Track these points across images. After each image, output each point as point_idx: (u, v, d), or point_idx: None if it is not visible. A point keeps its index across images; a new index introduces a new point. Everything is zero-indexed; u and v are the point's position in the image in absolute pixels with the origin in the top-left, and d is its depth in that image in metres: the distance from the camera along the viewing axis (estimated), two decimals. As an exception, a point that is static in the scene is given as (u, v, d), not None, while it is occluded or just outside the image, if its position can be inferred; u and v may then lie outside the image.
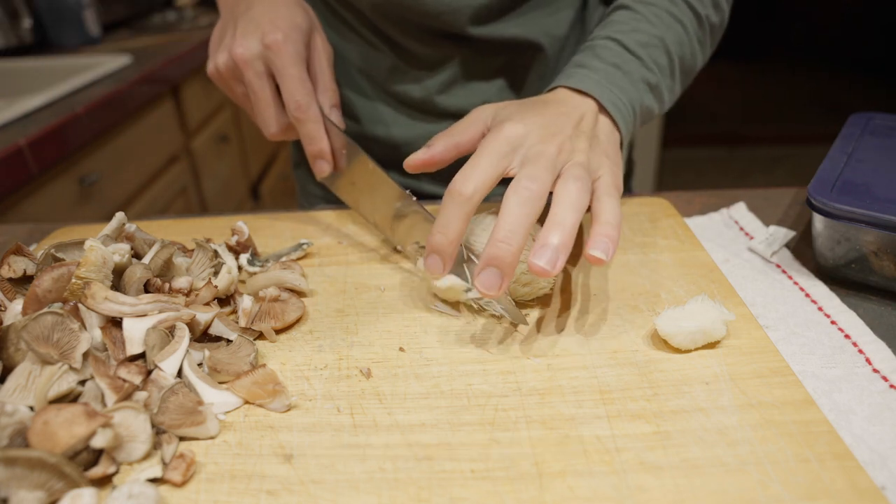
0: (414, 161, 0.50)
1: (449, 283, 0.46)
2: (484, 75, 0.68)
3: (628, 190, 0.82)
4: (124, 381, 0.38)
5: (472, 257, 0.47)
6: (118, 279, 0.45)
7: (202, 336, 0.45)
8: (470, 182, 0.43)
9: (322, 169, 0.56)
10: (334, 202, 0.84)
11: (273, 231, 0.61)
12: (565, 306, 0.48)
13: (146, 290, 0.45)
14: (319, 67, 0.56)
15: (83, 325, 0.41)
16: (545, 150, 0.45)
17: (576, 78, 0.52)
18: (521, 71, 0.69)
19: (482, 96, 0.69)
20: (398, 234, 0.55)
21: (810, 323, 0.48)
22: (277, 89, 0.55)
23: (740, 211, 0.63)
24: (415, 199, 0.52)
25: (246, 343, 0.44)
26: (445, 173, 0.51)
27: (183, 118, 1.59)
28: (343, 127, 0.56)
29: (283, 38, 0.52)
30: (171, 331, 0.42)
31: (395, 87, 0.70)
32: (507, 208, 0.42)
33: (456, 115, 0.70)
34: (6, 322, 0.42)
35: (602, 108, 0.51)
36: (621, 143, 0.53)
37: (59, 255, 0.47)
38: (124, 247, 0.46)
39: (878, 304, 0.50)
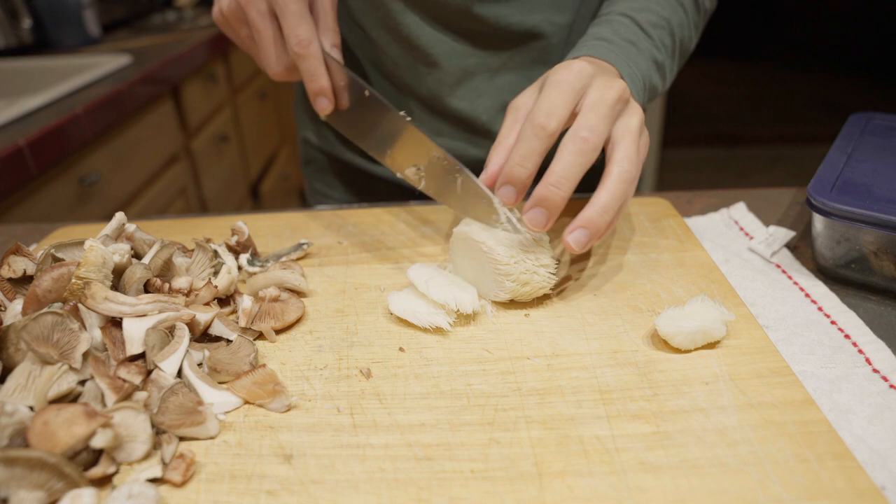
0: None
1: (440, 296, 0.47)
2: (490, 69, 0.68)
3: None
4: (124, 381, 0.38)
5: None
6: (118, 279, 0.45)
7: (202, 336, 0.45)
8: (553, 118, 0.45)
9: (323, 106, 0.56)
10: (342, 202, 0.84)
11: (273, 231, 0.61)
12: (565, 306, 0.48)
13: (146, 291, 0.45)
14: (322, 8, 0.56)
15: (83, 325, 0.41)
16: (606, 96, 0.46)
17: (600, 49, 0.54)
18: (527, 65, 0.69)
19: (488, 93, 0.69)
20: (397, 161, 0.55)
21: (810, 323, 0.48)
22: (281, 31, 0.55)
23: (740, 211, 0.63)
24: (409, 119, 0.52)
25: (246, 343, 0.44)
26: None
27: (183, 118, 1.59)
28: (342, 62, 0.56)
29: None
30: (171, 331, 0.42)
31: (403, 81, 0.70)
32: (563, 155, 0.44)
33: (463, 116, 0.70)
34: (6, 322, 0.42)
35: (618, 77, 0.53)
36: None
37: (59, 255, 0.47)
38: (124, 247, 0.46)
39: (878, 304, 0.50)
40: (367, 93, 0.54)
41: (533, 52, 0.68)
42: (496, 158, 0.49)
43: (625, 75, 0.52)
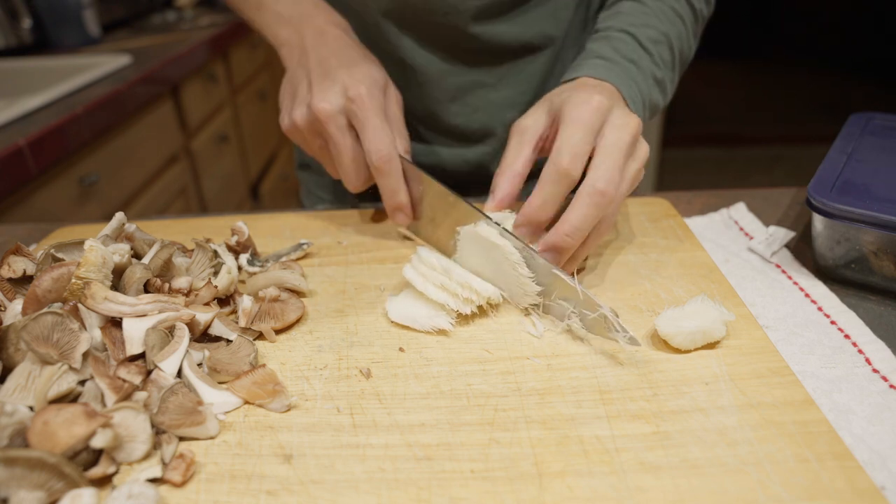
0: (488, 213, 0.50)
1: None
2: (485, 86, 0.68)
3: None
4: (124, 381, 0.38)
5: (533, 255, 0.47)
6: (118, 279, 0.45)
7: (202, 336, 0.45)
8: (577, 161, 0.46)
9: (401, 221, 0.56)
10: (338, 204, 0.84)
11: (273, 231, 0.61)
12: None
13: (146, 291, 0.45)
14: (392, 115, 0.56)
15: (83, 325, 0.41)
16: (623, 139, 0.47)
17: (600, 69, 0.53)
18: (521, 79, 0.69)
19: (483, 108, 0.69)
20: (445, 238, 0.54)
21: (810, 323, 0.48)
22: (359, 143, 0.55)
23: (740, 211, 0.63)
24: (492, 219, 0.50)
25: (246, 343, 0.44)
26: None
27: (183, 118, 1.59)
28: (413, 163, 0.55)
29: (366, 92, 0.52)
30: (170, 331, 0.42)
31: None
32: (579, 206, 0.45)
33: (459, 131, 0.71)
34: (6, 322, 0.42)
35: (622, 101, 0.53)
36: None
37: (59, 255, 0.47)
38: (124, 247, 0.46)
39: (878, 304, 0.50)
40: (451, 199, 0.52)
41: (528, 65, 0.68)
42: (503, 185, 0.49)
43: (626, 96, 0.52)
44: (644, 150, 0.49)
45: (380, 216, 0.63)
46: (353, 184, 0.56)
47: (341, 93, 0.53)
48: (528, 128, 0.50)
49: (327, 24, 0.58)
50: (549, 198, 0.46)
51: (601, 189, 0.45)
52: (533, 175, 0.49)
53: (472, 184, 0.74)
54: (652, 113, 0.59)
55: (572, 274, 0.47)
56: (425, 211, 0.56)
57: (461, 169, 0.74)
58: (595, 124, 0.47)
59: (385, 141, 0.52)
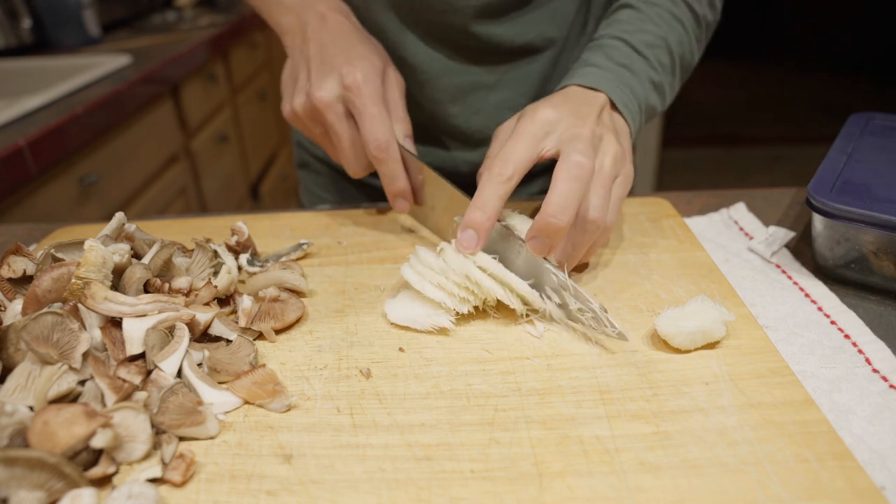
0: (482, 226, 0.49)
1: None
2: (485, 86, 0.68)
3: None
4: (124, 381, 0.38)
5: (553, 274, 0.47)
6: (118, 279, 0.45)
7: (202, 336, 0.45)
8: (509, 164, 0.46)
9: (402, 207, 0.56)
10: (338, 203, 0.84)
11: (273, 231, 0.61)
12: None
13: (146, 291, 0.45)
14: (392, 99, 0.56)
15: (83, 325, 0.41)
16: (580, 133, 0.48)
17: (589, 77, 0.53)
18: (522, 81, 0.69)
19: (484, 110, 0.69)
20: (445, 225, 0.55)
21: (810, 323, 0.48)
22: (358, 130, 0.55)
23: (740, 211, 0.63)
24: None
25: (246, 343, 0.44)
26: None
27: (183, 118, 1.59)
28: (415, 153, 0.56)
29: (362, 79, 0.52)
30: (170, 331, 0.42)
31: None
32: (559, 184, 0.45)
33: (459, 131, 0.70)
34: (6, 322, 0.42)
35: (613, 106, 0.53)
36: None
37: (59, 255, 0.47)
38: (124, 247, 0.46)
39: (878, 304, 0.50)
40: (447, 190, 0.53)
41: (527, 67, 0.68)
42: (483, 224, 0.49)
43: (616, 101, 0.52)
44: (614, 147, 0.49)
45: (383, 210, 0.63)
46: (354, 170, 0.57)
47: (338, 81, 0.53)
48: (505, 126, 0.52)
49: (328, 10, 0.59)
50: (488, 197, 0.46)
51: (577, 161, 0.45)
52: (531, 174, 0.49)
53: (473, 186, 0.74)
54: (649, 116, 0.59)
55: (565, 271, 0.47)
56: (426, 199, 0.56)
57: (461, 170, 0.74)
58: (537, 135, 0.48)
59: (382, 129, 0.52)
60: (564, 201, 0.45)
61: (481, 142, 0.72)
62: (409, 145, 0.56)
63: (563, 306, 0.46)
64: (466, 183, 0.74)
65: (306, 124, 0.57)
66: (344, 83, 0.53)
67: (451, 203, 0.54)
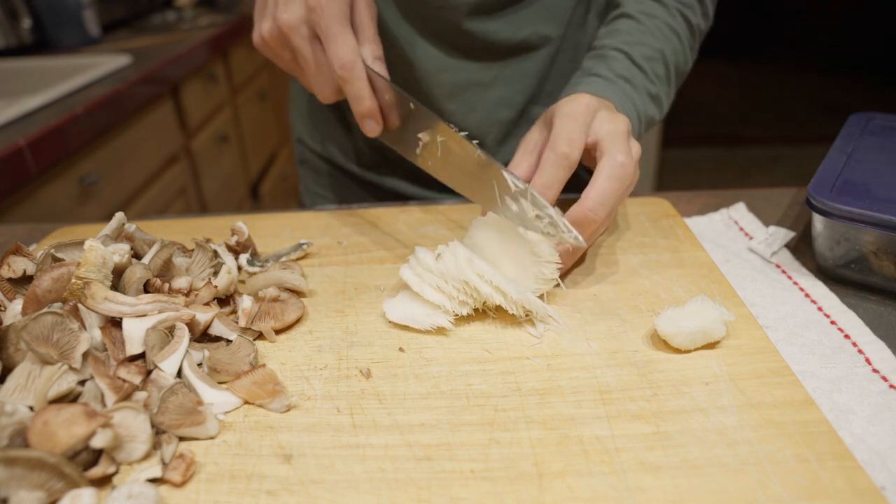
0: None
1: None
2: (481, 84, 0.68)
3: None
4: (124, 381, 0.38)
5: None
6: (118, 279, 0.45)
7: (202, 336, 0.45)
8: (575, 146, 0.49)
9: (371, 128, 0.55)
10: (337, 201, 0.84)
11: (273, 231, 0.61)
12: (565, 306, 0.48)
13: (146, 291, 0.45)
14: (360, 21, 0.55)
15: (83, 325, 0.41)
16: (620, 129, 0.50)
17: (596, 86, 0.55)
18: (517, 78, 0.69)
19: (480, 107, 0.69)
20: (438, 166, 0.54)
21: (810, 323, 0.48)
22: (325, 53, 0.54)
23: (740, 211, 0.63)
24: (457, 130, 0.51)
25: (246, 343, 0.44)
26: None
27: (183, 118, 1.59)
28: (387, 77, 0.55)
29: (325, 0, 0.52)
30: (170, 331, 0.42)
31: None
32: (603, 182, 0.47)
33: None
34: (6, 322, 0.42)
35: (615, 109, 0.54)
36: None
37: (59, 255, 0.47)
38: (124, 247, 0.46)
39: (878, 304, 0.50)
40: (412, 105, 0.53)
41: (524, 64, 0.68)
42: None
43: (621, 111, 0.54)
44: (637, 148, 0.51)
45: (384, 213, 0.63)
46: (323, 94, 0.56)
47: (303, 3, 0.52)
48: (531, 140, 0.53)
49: None
50: (549, 181, 0.48)
51: (622, 161, 0.48)
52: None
53: None
54: (647, 127, 0.61)
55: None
56: (396, 121, 0.55)
57: None
58: (586, 117, 0.50)
59: (346, 48, 0.52)
60: (604, 198, 0.47)
61: (477, 138, 0.72)
62: (380, 67, 0.55)
63: (520, 214, 0.47)
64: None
65: (275, 50, 0.56)
66: (308, 4, 0.52)
67: (419, 121, 0.53)
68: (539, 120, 0.55)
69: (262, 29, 0.55)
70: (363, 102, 0.53)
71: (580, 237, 0.45)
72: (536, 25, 0.66)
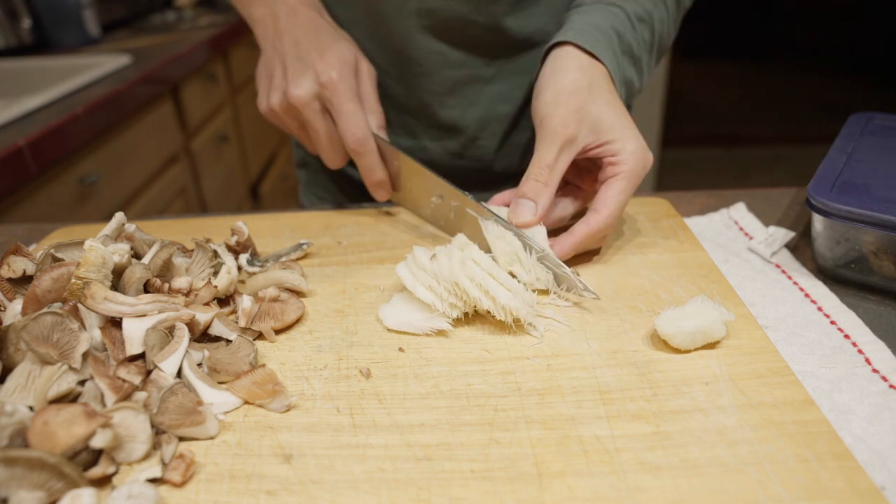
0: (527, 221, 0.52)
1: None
2: (481, 79, 0.68)
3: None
4: (124, 381, 0.38)
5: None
6: (118, 279, 0.45)
7: (202, 336, 0.45)
8: (612, 226, 0.51)
9: (381, 196, 0.59)
10: (337, 202, 0.84)
11: (273, 231, 0.61)
12: (565, 306, 0.48)
13: (146, 291, 0.45)
14: (364, 92, 0.58)
15: (83, 326, 0.41)
16: (632, 133, 0.52)
17: (587, 36, 0.54)
18: (518, 74, 0.69)
19: (479, 103, 0.69)
20: (450, 225, 0.57)
21: (810, 323, 0.48)
22: (335, 124, 0.57)
23: (740, 211, 0.63)
24: (458, 190, 0.54)
25: (245, 343, 0.44)
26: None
27: (182, 118, 1.59)
28: (388, 140, 0.58)
29: (337, 76, 0.54)
30: (170, 331, 0.42)
31: (391, 91, 0.70)
32: (620, 195, 0.50)
33: (452, 125, 0.70)
34: (6, 322, 0.42)
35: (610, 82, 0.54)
36: None
37: (59, 255, 0.47)
38: (124, 247, 0.46)
39: (878, 304, 0.50)
40: (419, 166, 0.56)
41: (525, 60, 0.68)
42: (543, 198, 0.52)
43: (611, 70, 0.54)
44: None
45: (384, 211, 0.63)
46: (333, 162, 0.59)
47: (314, 79, 0.54)
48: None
49: (300, 4, 0.60)
50: (574, 249, 0.51)
51: (634, 170, 0.50)
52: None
53: (470, 180, 0.74)
54: (628, 91, 0.59)
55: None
56: (403, 183, 0.59)
57: (455, 163, 0.74)
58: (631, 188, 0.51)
59: (359, 124, 0.54)
60: (620, 209, 0.50)
61: (476, 134, 0.72)
62: (383, 134, 0.58)
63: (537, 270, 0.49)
64: (464, 175, 0.74)
65: (283, 120, 0.58)
66: (320, 81, 0.54)
67: (426, 183, 0.56)
68: (535, 119, 0.54)
69: (272, 101, 0.57)
70: (375, 174, 0.57)
71: (595, 292, 0.47)
72: (539, 22, 0.66)
